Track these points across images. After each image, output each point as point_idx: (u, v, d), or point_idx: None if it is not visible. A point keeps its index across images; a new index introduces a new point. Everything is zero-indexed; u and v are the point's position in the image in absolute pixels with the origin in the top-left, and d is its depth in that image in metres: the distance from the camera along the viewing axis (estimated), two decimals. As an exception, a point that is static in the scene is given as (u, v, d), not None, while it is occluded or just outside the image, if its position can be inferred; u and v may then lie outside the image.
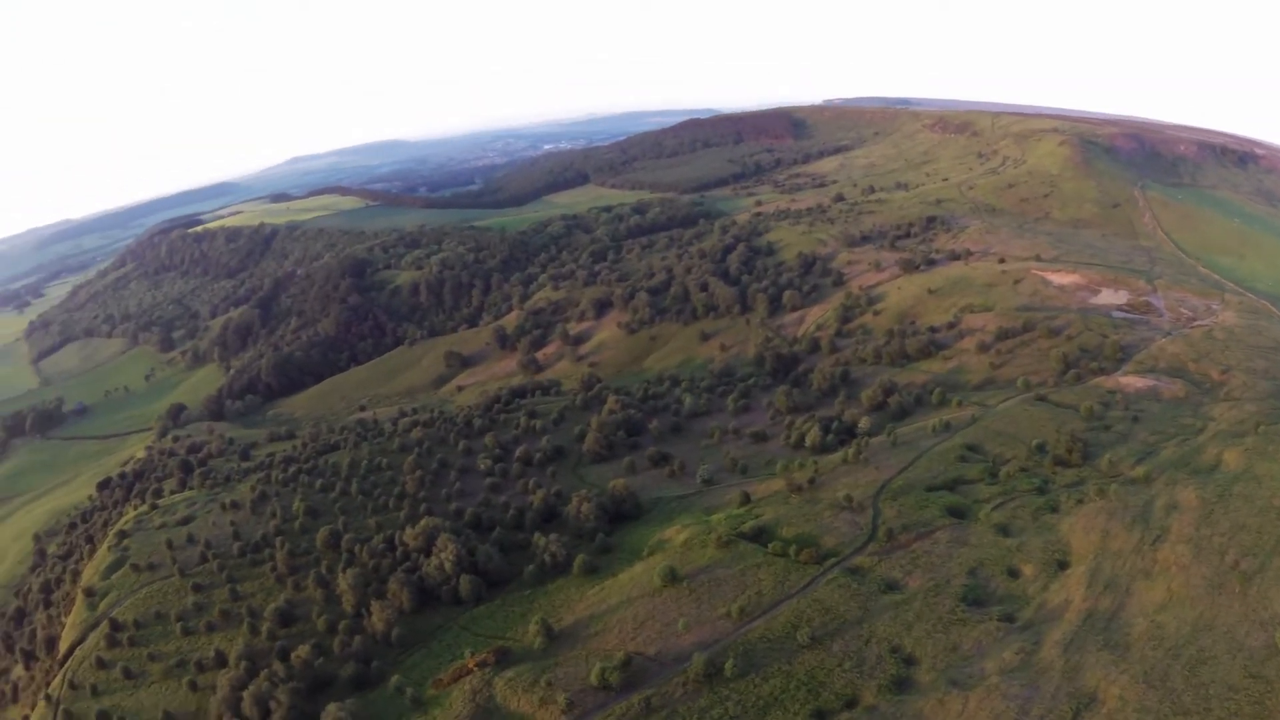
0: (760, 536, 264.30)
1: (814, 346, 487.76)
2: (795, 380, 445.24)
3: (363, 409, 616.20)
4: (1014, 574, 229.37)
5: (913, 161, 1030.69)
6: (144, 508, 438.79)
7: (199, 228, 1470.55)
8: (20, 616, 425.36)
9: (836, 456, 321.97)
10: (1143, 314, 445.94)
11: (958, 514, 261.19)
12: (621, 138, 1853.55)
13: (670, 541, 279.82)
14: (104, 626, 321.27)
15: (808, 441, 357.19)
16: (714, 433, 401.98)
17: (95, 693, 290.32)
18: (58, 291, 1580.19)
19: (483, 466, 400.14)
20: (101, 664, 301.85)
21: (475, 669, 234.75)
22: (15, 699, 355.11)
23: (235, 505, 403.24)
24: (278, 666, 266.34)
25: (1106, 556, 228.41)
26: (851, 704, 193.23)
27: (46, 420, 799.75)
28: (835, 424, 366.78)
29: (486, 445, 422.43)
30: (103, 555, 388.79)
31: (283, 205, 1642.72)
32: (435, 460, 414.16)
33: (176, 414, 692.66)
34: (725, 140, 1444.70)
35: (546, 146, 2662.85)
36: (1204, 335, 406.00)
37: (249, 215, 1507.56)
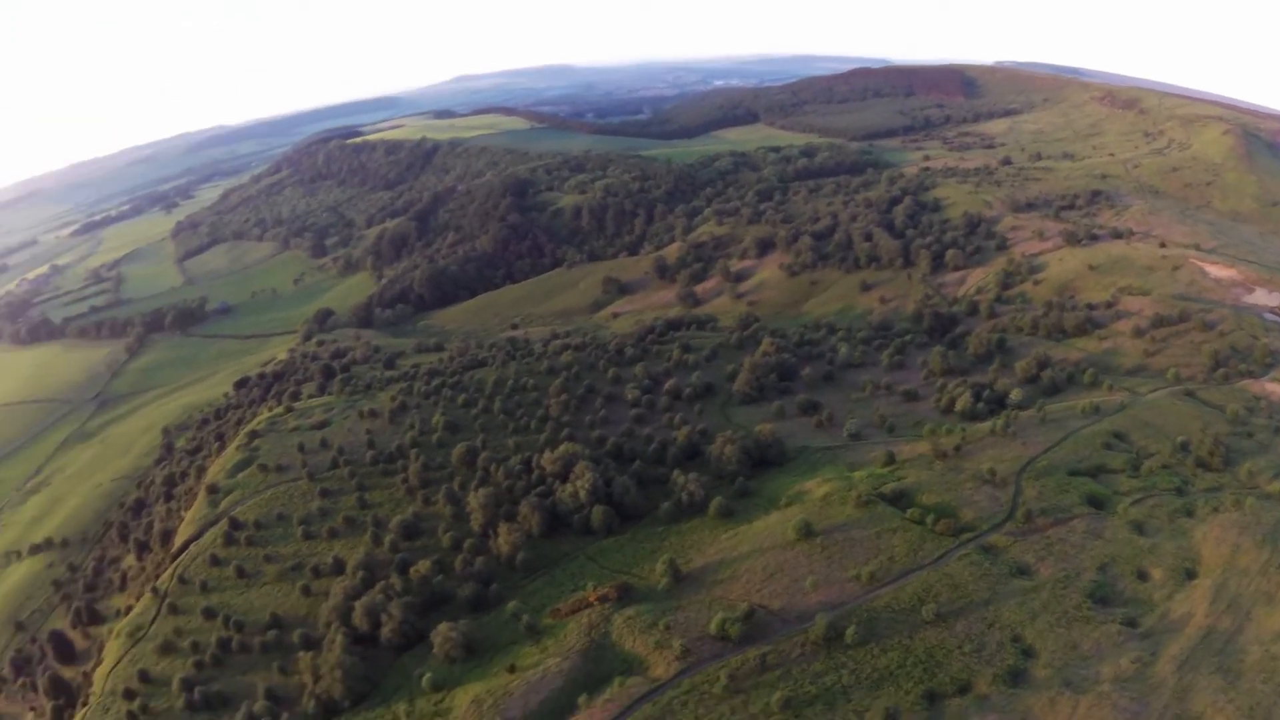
0: (900, 500, 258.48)
1: (972, 309, 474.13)
2: (951, 342, 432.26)
3: (515, 327, 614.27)
4: (1143, 576, 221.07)
5: (1080, 133, 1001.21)
6: (279, 409, 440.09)
7: (358, 138, 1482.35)
8: (139, 507, 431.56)
9: (985, 426, 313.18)
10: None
11: (1096, 504, 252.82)
12: (792, 80, 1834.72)
13: (809, 494, 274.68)
14: (223, 524, 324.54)
15: (958, 407, 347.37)
16: (866, 386, 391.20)
17: (205, 589, 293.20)
18: (208, 195, 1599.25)
19: (630, 396, 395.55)
20: (215, 561, 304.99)
21: (595, 602, 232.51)
22: (123, 587, 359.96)
23: (374, 414, 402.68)
24: (395, 580, 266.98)
25: (1233, 573, 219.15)
26: (964, 690, 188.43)
27: (188, 317, 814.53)
28: (987, 392, 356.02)
29: (636, 375, 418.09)
30: (231, 454, 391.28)
31: (445, 122, 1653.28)
32: (582, 386, 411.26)
33: (324, 319, 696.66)
34: (896, 92, 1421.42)
35: (717, 82, 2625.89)
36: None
37: (410, 129, 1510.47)
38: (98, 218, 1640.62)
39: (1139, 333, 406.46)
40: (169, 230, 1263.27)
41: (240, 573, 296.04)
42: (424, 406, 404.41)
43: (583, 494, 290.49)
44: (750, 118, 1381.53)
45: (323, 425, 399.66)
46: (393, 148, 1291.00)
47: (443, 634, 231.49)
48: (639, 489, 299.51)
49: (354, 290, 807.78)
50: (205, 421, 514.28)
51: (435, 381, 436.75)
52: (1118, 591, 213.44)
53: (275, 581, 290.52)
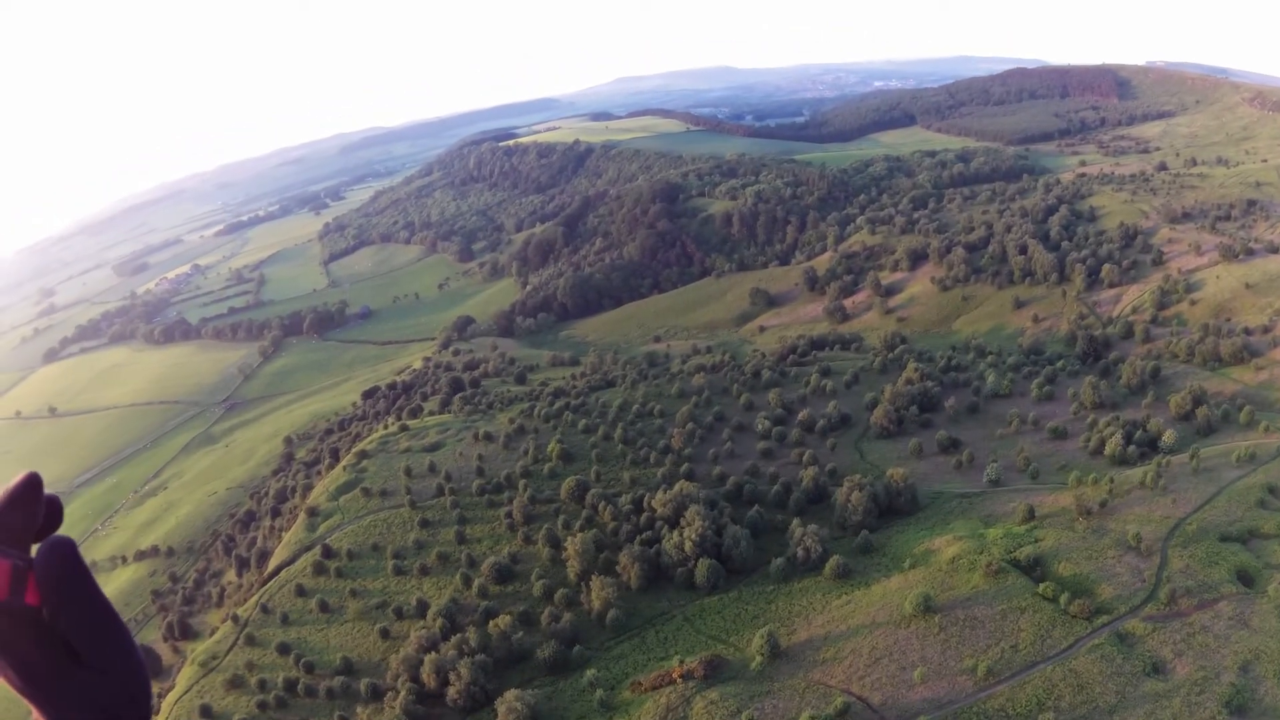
0: (1034, 568, 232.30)
1: (1127, 331, 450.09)
2: (1104, 369, 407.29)
3: (657, 340, 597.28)
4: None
5: (1233, 136, 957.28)
6: (393, 427, 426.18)
7: (511, 141, 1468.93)
8: (249, 520, 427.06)
9: (1135, 475, 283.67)
10: None
11: (1246, 580, 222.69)
12: (950, 81, 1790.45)
13: (938, 554, 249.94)
14: (315, 551, 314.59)
15: (1108, 450, 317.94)
16: (1012, 420, 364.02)
17: (285, 621, 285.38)
18: (359, 196, 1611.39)
19: (760, 427, 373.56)
20: (301, 591, 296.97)
21: (679, 679, 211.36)
22: (219, 604, 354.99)
23: (489, 437, 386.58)
24: (472, 634, 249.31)
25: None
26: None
27: (326, 321, 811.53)
28: (1139, 433, 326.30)
29: (769, 402, 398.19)
30: (337, 474, 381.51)
31: (601, 124, 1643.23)
32: (711, 413, 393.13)
33: (463, 326, 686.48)
34: (1051, 93, 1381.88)
35: (876, 83, 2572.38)
36: None
37: (566, 132, 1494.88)
38: (245, 218, 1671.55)
39: None
40: (317, 231, 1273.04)
41: (323, 607, 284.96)
42: (542, 431, 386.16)
43: (689, 545, 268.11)
44: (907, 120, 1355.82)
45: (435, 447, 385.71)
46: (545, 150, 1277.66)
47: (508, 702, 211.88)
48: (752, 540, 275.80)
49: (498, 297, 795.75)
50: (329, 432, 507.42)
51: (559, 403, 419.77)
52: (1257, 699, 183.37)
53: (356, 619, 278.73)
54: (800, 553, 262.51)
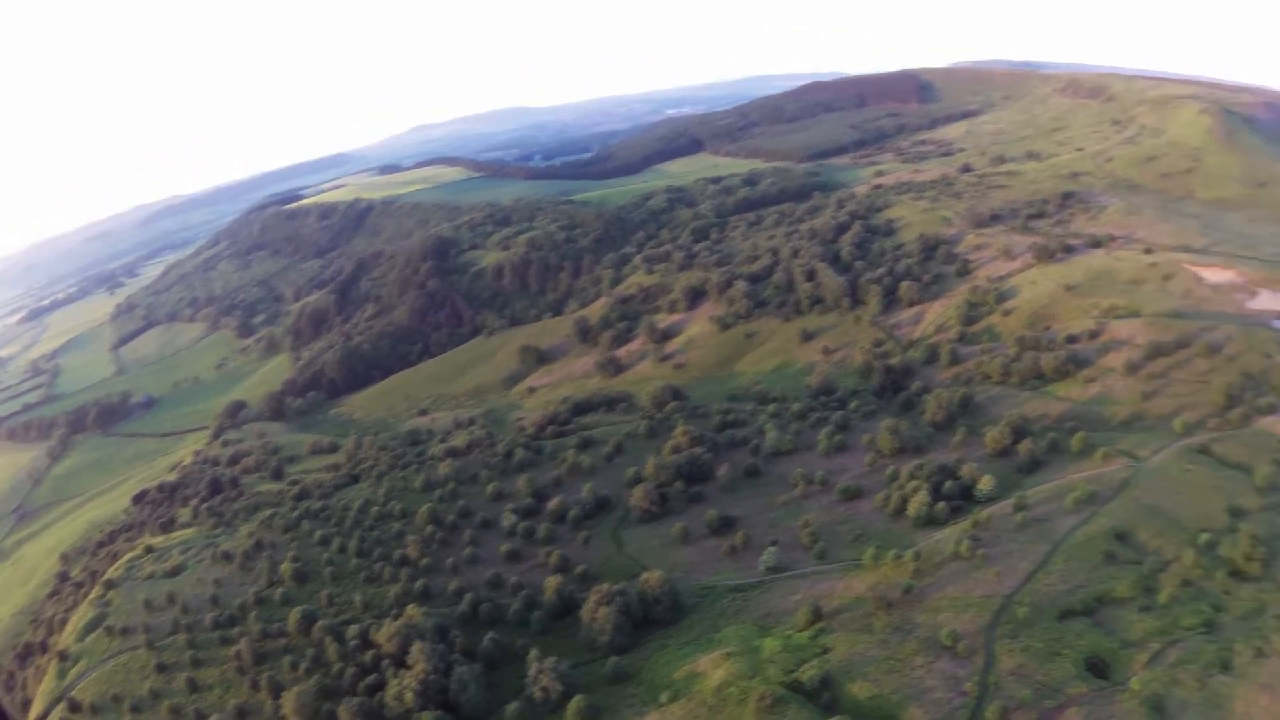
0: (822, 692, 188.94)
1: (931, 355, 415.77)
2: (906, 403, 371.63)
3: (423, 413, 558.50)
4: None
5: (1044, 128, 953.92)
6: (139, 549, 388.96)
7: (295, 204, 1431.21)
8: (25, 655, 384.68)
9: (946, 542, 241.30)
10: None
11: (1098, 670, 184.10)
12: (745, 101, 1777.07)
13: (701, 680, 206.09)
14: (61, 708, 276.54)
15: (910, 510, 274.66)
16: (797, 483, 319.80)
17: None
18: (153, 271, 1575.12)
19: (507, 523, 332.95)
20: None
21: None
22: None
23: (227, 556, 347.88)
24: None
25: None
26: None
27: (110, 414, 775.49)
28: (948, 483, 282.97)
29: (519, 490, 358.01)
30: (85, 609, 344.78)
31: (385, 178, 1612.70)
32: (455, 509, 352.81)
33: (235, 412, 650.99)
34: (847, 105, 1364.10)
35: (669, 111, 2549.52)
36: None
37: (349, 189, 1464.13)
38: (46, 302, 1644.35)
39: (1132, 368, 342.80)
40: (109, 314, 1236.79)
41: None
42: (279, 546, 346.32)
43: (408, 696, 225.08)
44: (694, 146, 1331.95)
45: (177, 571, 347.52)
46: (326, 211, 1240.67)
47: None
48: (484, 677, 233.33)
49: (274, 374, 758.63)
50: (100, 545, 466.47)
51: (300, 508, 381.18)
52: None
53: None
54: (538, 693, 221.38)
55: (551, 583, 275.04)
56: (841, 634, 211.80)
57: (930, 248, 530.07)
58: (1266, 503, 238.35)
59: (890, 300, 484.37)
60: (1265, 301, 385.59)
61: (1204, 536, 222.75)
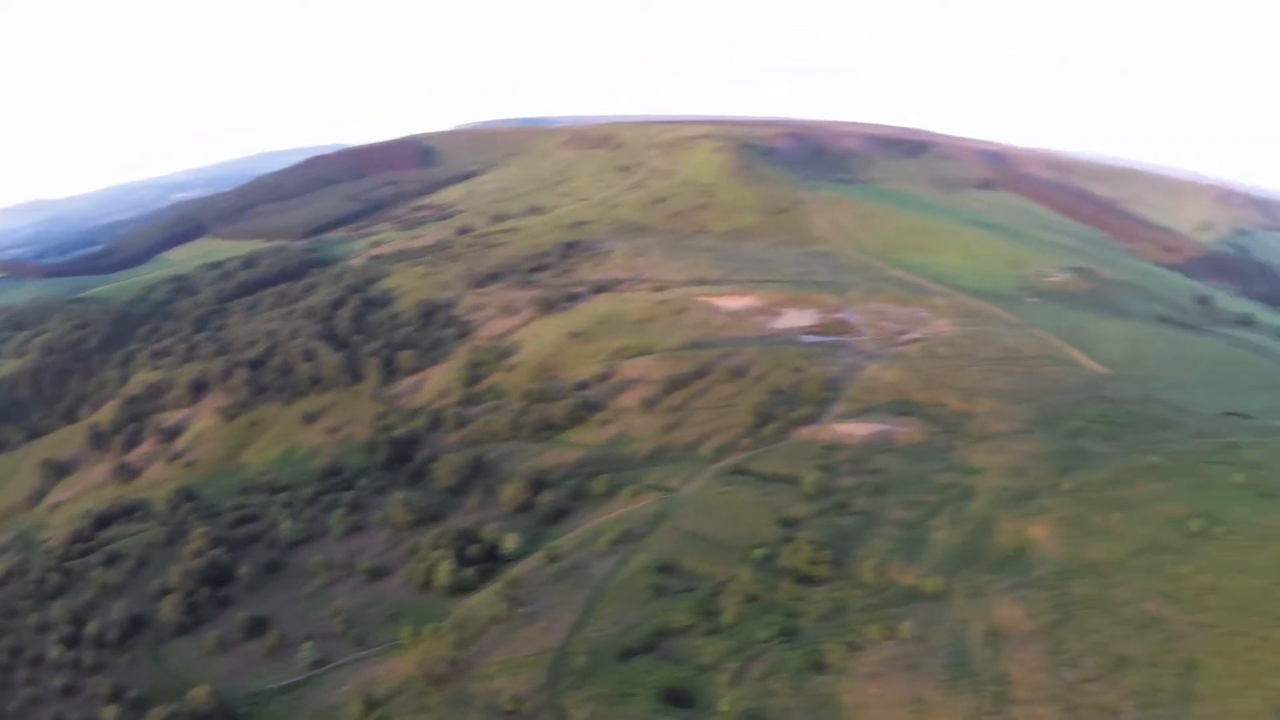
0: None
1: (436, 421, 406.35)
2: (415, 474, 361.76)
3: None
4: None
5: (548, 182, 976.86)
6: None
7: None
8: None
9: (482, 606, 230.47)
10: (839, 335, 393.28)
11: (681, 700, 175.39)
12: (247, 181, 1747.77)
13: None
14: None
15: (438, 580, 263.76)
16: (318, 570, 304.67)
17: None
18: None
19: (53, 655, 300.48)
20: None
21: None
22: None
23: None
24: None
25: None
26: None
27: None
28: (472, 547, 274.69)
29: (58, 618, 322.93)
30: None
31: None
32: (5, 647, 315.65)
33: None
34: (347, 176, 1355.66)
35: (175, 196, 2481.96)
36: (922, 352, 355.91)
37: None
38: None
39: (649, 405, 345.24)
40: None
41: None
42: None
43: None
44: (198, 231, 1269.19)
45: None
46: None
47: None
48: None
49: None
50: None
51: None
52: None
53: None
54: None
55: (109, 714, 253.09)
56: (400, 719, 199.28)
57: (428, 314, 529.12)
58: (820, 507, 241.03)
59: (390, 371, 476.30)
60: (791, 320, 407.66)
61: (758, 552, 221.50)
